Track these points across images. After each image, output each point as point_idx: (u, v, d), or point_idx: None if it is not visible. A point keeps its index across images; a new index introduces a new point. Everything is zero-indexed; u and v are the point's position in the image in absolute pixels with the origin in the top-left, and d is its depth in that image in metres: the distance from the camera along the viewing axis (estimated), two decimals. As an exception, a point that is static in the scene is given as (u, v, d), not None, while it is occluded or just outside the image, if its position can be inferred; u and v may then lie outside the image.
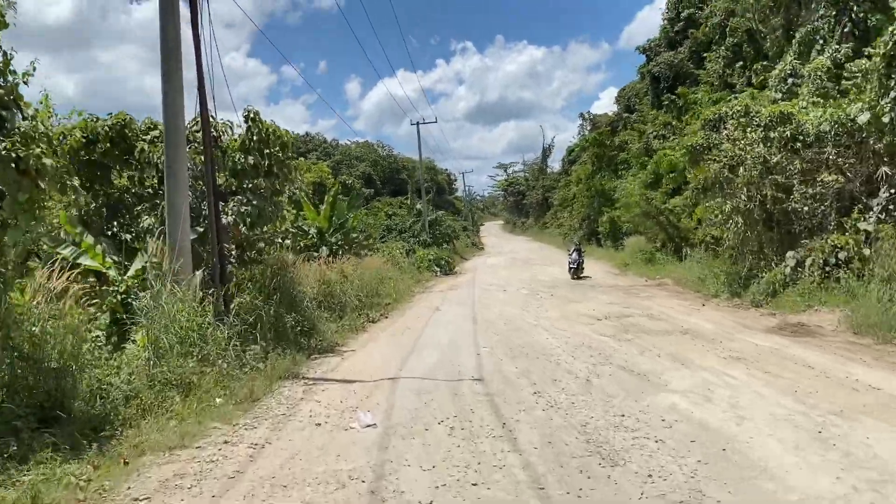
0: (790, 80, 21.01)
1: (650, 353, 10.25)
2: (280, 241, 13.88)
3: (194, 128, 11.56)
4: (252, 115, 12.05)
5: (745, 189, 17.19)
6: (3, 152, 6.42)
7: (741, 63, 34.42)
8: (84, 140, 11.80)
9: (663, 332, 12.79)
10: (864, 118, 15.66)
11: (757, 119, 17.85)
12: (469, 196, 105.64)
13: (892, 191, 14.43)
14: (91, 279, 10.94)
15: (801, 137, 16.87)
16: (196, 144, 11.65)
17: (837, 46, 20.40)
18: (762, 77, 23.88)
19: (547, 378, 8.81)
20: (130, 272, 10.53)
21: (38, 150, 6.66)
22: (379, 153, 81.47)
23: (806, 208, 16.25)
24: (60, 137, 10.99)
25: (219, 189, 11.63)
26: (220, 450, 6.39)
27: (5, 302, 6.59)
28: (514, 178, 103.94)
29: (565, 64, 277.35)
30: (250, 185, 12.05)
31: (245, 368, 9.27)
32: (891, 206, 14.27)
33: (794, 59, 21.43)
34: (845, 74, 20.03)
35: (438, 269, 32.50)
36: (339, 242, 23.14)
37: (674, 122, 43.31)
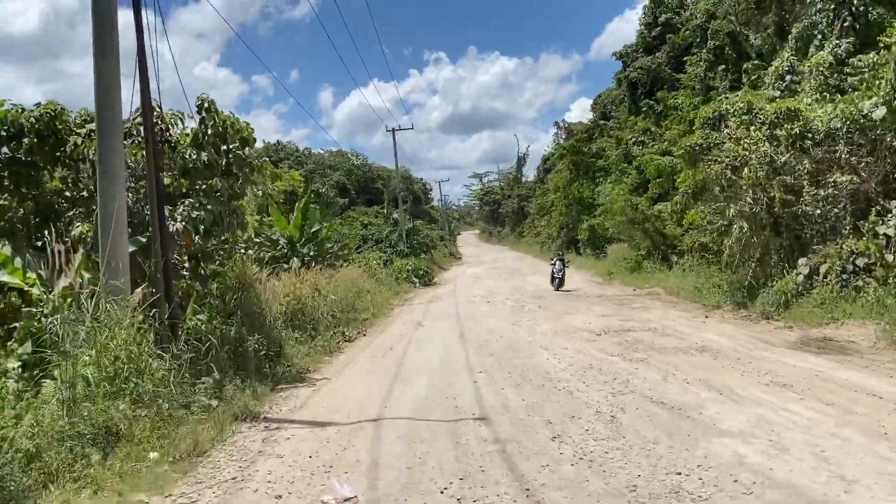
0: (788, 78, 19.87)
1: (675, 379, 8.75)
2: (242, 251, 12.18)
3: (138, 119, 9.84)
4: (206, 105, 10.36)
5: (750, 191, 15.88)
6: None
7: (723, 66, 33.48)
8: (5, 134, 10.03)
9: (676, 349, 11.36)
10: (879, 113, 14.49)
11: (761, 116, 16.60)
12: (445, 205, 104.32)
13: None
14: (15, 298, 9.22)
15: (809, 135, 15.65)
16: (139, 139, 9.94)
17: (838, 41, 19.31)
18: (755, 76, 22.76)
19: (563, 414, 7.25)
20: (56, 290, 8.76)
21: None
22: (353, 162, 79.64)
23: (818, 211, 14.98)
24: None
25: (166, 190, 9.94)
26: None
27: None
28: (490, 187, 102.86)
29: (537, 75, 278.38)
30: (204, 187, 10.35)
31: (193, 408, 7.58)
32: (914, 208, 13.06)
33: (792, 55, 20.31)
34: (847, 70, 19.00)
35: (417, 281, 30.90)
36: (312, 253, 21.42)
37: (653, 128, 42.53)
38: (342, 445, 6.56)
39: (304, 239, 21.66)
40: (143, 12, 8.60)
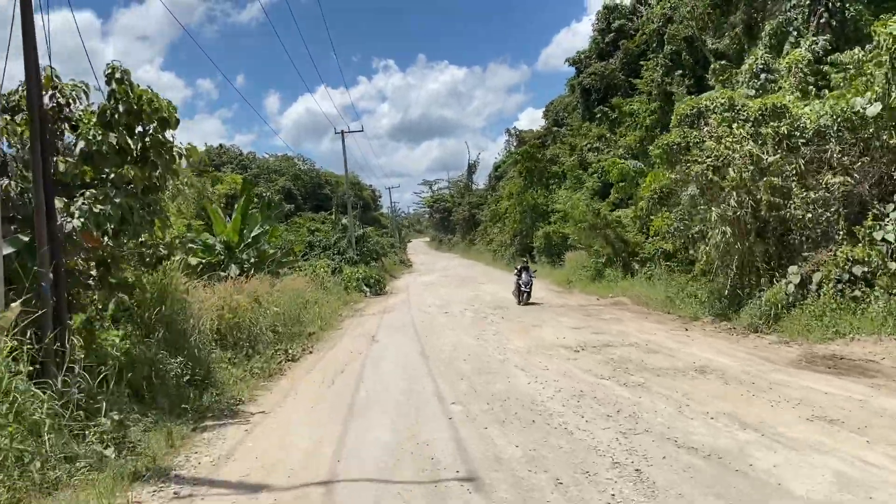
0: (763, 76, 18.85)
1: (693, 412, 7.21)
2: (164, 255, 10.18)
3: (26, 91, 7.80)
4: (118, 76, 8.39)
5: (734, 193, 14.62)
6: None
7: (680, 71, 32.81)
8: None
9: (673, 370, 9.88)
10: (873, 110, 13.42)
11: (744, 113, 15.41)
12: (395, 213, 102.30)
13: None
14: None
15: (797, 133, 14.51)
16: (25, 113, 7.90)
17: (815, 38, 18.39)
18: (724, 75, 21.74)
19: (572, 468, 5.58)
20: None
21: None
22: (300, 167, 76.82)
23: (809, 215, 13.78)
24: None
25: (63, 179, 7.94)
26: None
27: None
28: (440, 194, 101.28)
29: (486, 84, 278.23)
30: (112, 176, 8.36)
31: (80, 462, 5.65)
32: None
33: (766, 52, 19.32)
34: (826, 68, 18.09)
35: (368, 290, 28.97)
36: (253, 259, 19.35)
37: (608, 135, 41.82)
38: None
39: (243, 244, 19.57)
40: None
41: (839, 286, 12.55)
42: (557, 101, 57.72)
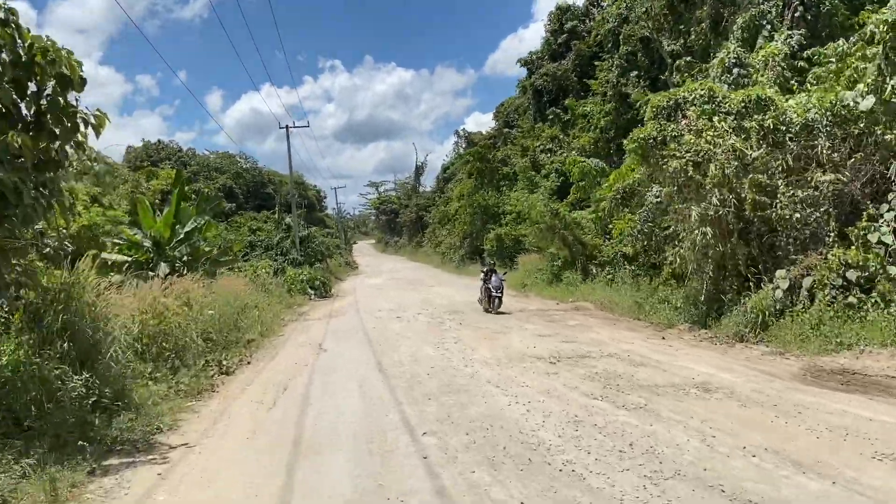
0: (736, 70, 17.94)
1: (725, 445, 5.85)
2: (72, 250, 8.35)
3: None
4: (3, 17, 6.58)
5: (716, 191, 13.53)
6: None
7: (636, 72, 32.22)
8: None
9: (672, 388, 8.60)
10: (866, 104, 12.48)
11: (726, 105, 14.37)
12: (340, 214, 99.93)
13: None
14: None
15: (783, 128, 13.52)
16: None
17: (790, 33, 17.60)
18: (694, 70, 20.87)
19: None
20: None
21: None
22: (242, 165, 73.76)
23: (797, 215, 12.77)
24: None
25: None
26: None
27: None
28: (386, 196, 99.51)
29: (433, 87, 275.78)
30: (-8, 145, 6.55)
31: None
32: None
33: (738, 46, 18.43)
34: (801, 63, 17.33)
35: (313, 292, 27.11)
36: (185, 258, 17.38)
37: (560, 136, 41.11)
38: None
39: (175, 240, 17.56)
40: None
41: (832, 292, 11.58)
42: (508, 103, 56.92)
